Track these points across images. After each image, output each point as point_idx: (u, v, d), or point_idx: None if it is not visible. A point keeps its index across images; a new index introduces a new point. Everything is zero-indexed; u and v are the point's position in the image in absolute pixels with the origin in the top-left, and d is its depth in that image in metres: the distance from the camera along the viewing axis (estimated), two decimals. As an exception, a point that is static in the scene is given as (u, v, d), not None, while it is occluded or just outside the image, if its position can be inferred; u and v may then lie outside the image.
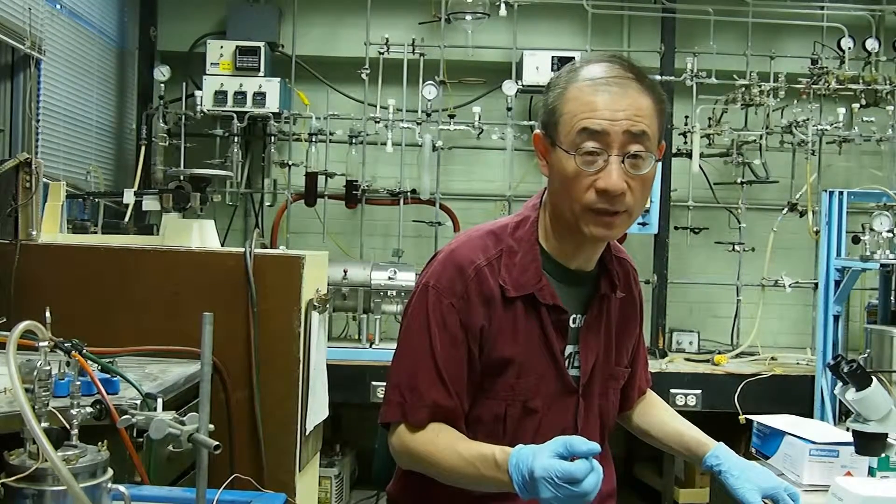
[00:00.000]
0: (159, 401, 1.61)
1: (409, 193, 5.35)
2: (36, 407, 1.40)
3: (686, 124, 5.34)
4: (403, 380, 1.63)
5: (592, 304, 1.70)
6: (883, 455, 1.97)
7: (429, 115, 5.26)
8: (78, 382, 1.59)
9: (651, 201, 5.03)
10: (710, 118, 5.38)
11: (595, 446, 1.41)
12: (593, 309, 1.70)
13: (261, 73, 5.19)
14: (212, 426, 1.51)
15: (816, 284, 4.90)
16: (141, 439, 1.83)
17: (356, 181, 5.33)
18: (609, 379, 1.77)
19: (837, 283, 4.45)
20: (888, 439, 1.96)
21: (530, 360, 1.64)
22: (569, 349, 1.69)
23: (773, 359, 5.10)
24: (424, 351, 1.61)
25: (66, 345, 1.76)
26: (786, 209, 5.29)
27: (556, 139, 1.57)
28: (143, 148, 5.21)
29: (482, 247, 1.65)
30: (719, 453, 1.83)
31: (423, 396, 1.61)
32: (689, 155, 5.32)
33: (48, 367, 1.48)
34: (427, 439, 1.60)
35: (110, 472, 1.45)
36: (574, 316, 1.69)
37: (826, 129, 5.20)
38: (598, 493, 1.56)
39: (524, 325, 1.63)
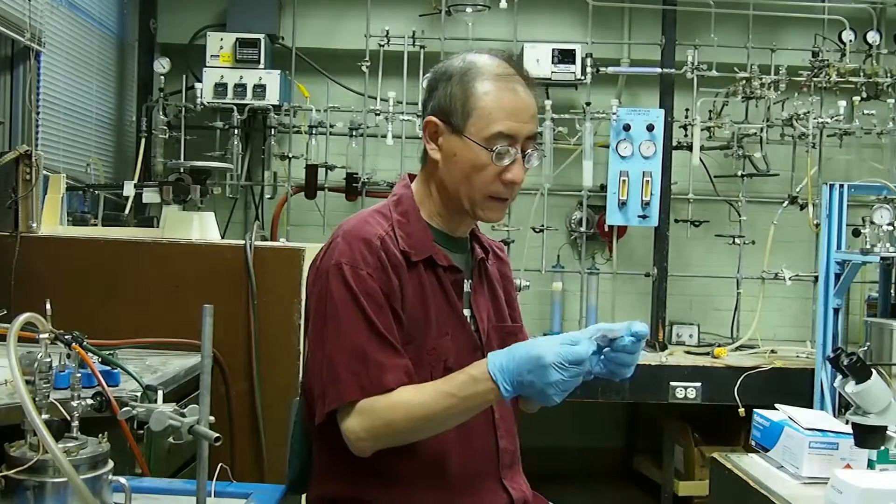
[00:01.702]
0: (160, 393, 1.61)
1: (409, 186, 5.34)
2: (37, 399, 1.41)
3: (687, 117, 5.33)
4: (349, 356, 1.62)
5: (474, 268, 1.84)
6: (882, 448, 1.97)
7: (429, 107, 5.25)
8: (78, 374, 1.59)
9: (651, 194, 5.02)
10: (710, 111, 5.36)
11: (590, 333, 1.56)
12: (476, 273, 1.84)
13: (261, 66, 5.18)
14: (212, 418, 1.51)
15: (816, 277, 4.89)
16: (141, 431, 1.83)
17: (356, 174, 5.33)
18: (507, 336, 1.85)
19: (837, 276, 4.44)
20: (887, 432, 1.96)
21: (443, 321, 1.73)
22: (465, 312, 1.80)
23: (773, 352, 5.10)
24: (361, 323, 1.62)
25: (66, 337, 1.77)
26: (786, 202, 5.28)
27: (462, 129, 1.70)
28: (143, 140, 5.20)
29: (376, 222, 1.74)
30: None
31: (382, 363, 1.61)
32: (690, 148, 5.31)
33: (49, 359, 1.48)
34: (399, 399, 1.60)
35: (111, 463, 1.46)
36: (466, 281, 1.81)
37: (827, 122, 5.19)
38: (504, 450, 1.79)
39: (430, 287, 1.73)
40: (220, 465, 1.71)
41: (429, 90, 1.79)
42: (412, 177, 1.88)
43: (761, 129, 5.26)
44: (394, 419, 1.60)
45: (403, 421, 1.60)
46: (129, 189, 4.10)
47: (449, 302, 1.76)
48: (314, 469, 1.80)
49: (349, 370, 1.61)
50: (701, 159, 5.36)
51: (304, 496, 1.86)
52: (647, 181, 5.01)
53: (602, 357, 1.57)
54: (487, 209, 1.74)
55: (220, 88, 5.11)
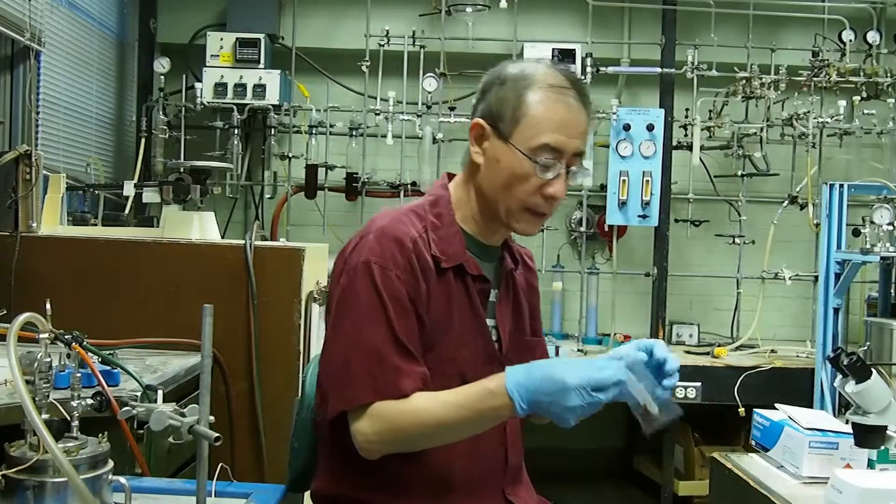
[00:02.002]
0: (159, 392, 1.61)
1: (409, 186, 5.35)
2: (36, 398, 1.41)
3: (687, 117, 5.33)
4: (366, 357, 1.59)
5: (501, 278, 1.81)
6: (882, 447, 1.97)
7: (429, 107, 5.26)
8: (78, 374, 1.59)
9: (651, 194, 5.02)
10: (710, 111, 5.36)
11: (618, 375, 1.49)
12: (503, 283, 1.81)
13: (261, 66, 5.18)
14: (212, 418, 1.51)
15: (816, 277, 4.89)
16: (141, 431, 1.83)
17: (356, 173, 5.33)
18: (525, 350, 1.82)
19: (837, 276, 4.44)
20: (887, 432, 1.96)
21: (466, 331, 1.70)
22: (489, 322, 1.77)
23: (773, 351, 5.10)
24: (382, 325, 1.59)
25: (66, 336, 1.77)
26: (786, 202, 5.28)
27: (508, 136, 1.67)
28: (143, 140, 5.20)
29: (410, 222, 1.69)
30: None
31: (400, 368, 1.58)
32: (690, 147, 5.31)
33: (49, 359, 1.48)
34: (413, 406, 1.57)
35: (111, 463, 1.46)
36: (492, 290, 1.78)
37: (827, 122, 5.19)
38: (509, 465, 1.78)
39: (456, 295, 1.69)
40: (220, 465, 1.71)
41: (481, 91, 1.76)
42: (451, 176, 1.84)
43: (761, 129, 5.26)
44: (406, 426, 1.58)
45: (415, 428, 1.58)
46: (129, 189, 4.10)
47: (473, 311, 1.72)
48: (319, 463, 1.79)
49: (366, 371, 1.58)
50: (701, 159, 5.36)
51: (305, 494, 1.86)
52: (647, 181, 5.01)
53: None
54: (523, 221, 1.71)
55: (220, 88, 5.11)
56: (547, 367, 1.52)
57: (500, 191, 1.69)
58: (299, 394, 1.90)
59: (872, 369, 1.91)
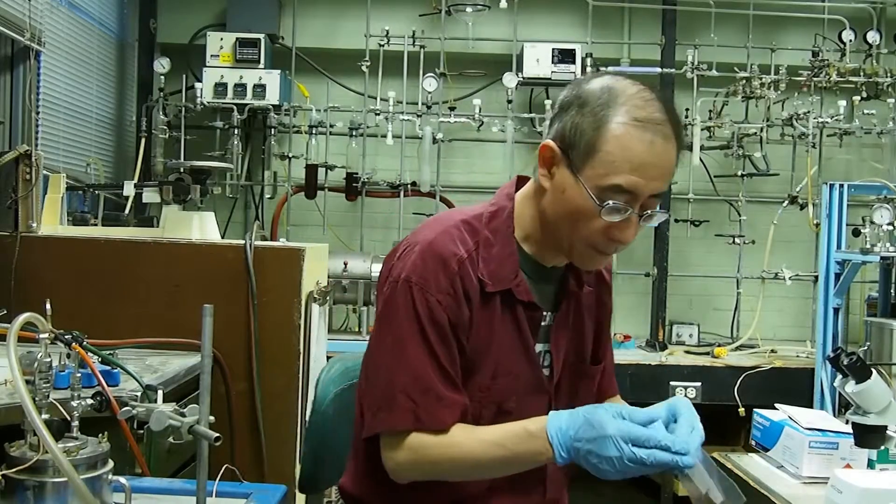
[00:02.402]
0: (159, 392, 1.61)
1: (409, 186, 5.35)
2: (36, 398, 1.40)
3: (687, 117, 5.33)
4: (409, 382, 1.51)
5: (562, 302, 1.66)
6: (882, 447, 1.97)
7: (429, 107, 5.26)
8: (78, 374, 1.59)
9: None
10: (710, 111, 5.37)
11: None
12: (563, 306, 1.66)
13: (261, 66, 5.18)
14: (212, 418, 1.51)
15: (816, 277, 4.90)
16: (141, 431, 1.84)
17: (356, 173, 5.33)
18: (580, 378, 1.71)
19: (837, 276, 4.45)
20: (887, 432, 1.96)
21: (507, 360, 1.59)
22: (539, 347, 1.64)
23: (772, 351, 5.11)
24: (424, 351, 1.51)
25: (66, 336, 1.76)
26: (786, 202, 5.28)
27: (579, 167, 1.49)
28: (143, 140, 5.21)
29: (460, 238, 1.57)
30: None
31: (442, 397, 1.51)
32: (690, 147, 5.31)
33: (49, 359, 1.48)
34: (450, 440, 1.51)
35: (111, 463, 1.46)
36: (545, 313, 1.64)
37: (827, 122, 5.19)
38: (547, 498, 1.67)
39: (500, 321, 1.57)
40: (225, 466, 1.71)
41: (560, 108, 1.54)
42: (521, 180, 1.67)
43: (761, 129, 5.27)
44: (440, 460, 1.51)
45: (449, 463, 1.52)
46: (129, 189, 4.10)
47: (521, 339, 1.60)
48: (349, 459, 1.75)
49: (407, 397, 1.51)
50: (701, 159, 5.36)
51: (300, 497, 1.86)
52: (647, 181, 5.00)
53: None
54: (586, 258, 1.56)
55: (220, 88, 5.11)
56: (591, 412, 1.42)
57: (564, 222, 1.53)
58: (299, 394, 1.90)
59: (872, 369, 1.91)
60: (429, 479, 1.55)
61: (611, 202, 1.46)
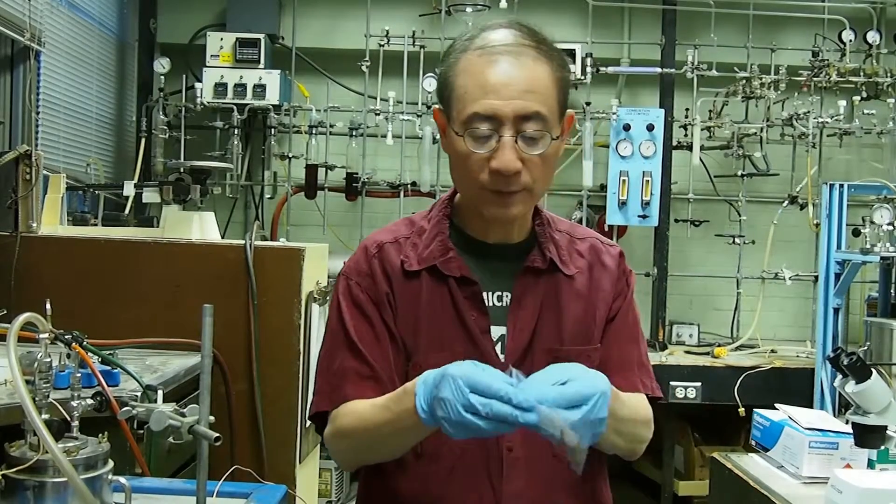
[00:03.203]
0: (160, 392, 1.61)
1: (409, 186, 5.35)
2: (36, 399, 1.40)
3: (687, 117, 5.33)
4: (326, 368, 1.57)
5: (518, 280, 1.57)
6: (882, 447, 1.97)
7: (429, 107, 5.26)
8: (78, 374, 1.59)
9: (651, 194, 5.02)
10: (710, 111, 5.37)
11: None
12: (519, 284, 1.56)
13: (261, 66, 5.18)
14: (212, 418, 1.51)
15: (816, 277, 4.90)
16: (141, 431, 1.84)
17: (356, 173, 5.33)
18: (559, 361, 1.45)
19: (837, 276, 4.45)
20: (887, 432, 1.96)
21: (441, 337, 1.53)
22: (498, 330, 1.55)
23: (773, 351, 5.10)
24: (339, 334, 1.56)
25: (66, 337, 1.77)
26: (786, 202, 5.28)
27: (449, 116, 1.50)
28: (143, 140, 5.21)
29: (393, 229, 1.63)
30: None
31: (347, 371, 1.53)
32: (690, 147, 5.32)
33: (49, 359, 1.48)
34: (353, 408, 1.50)
35: (111, 463, 1.46)
36: (499, 293, 1.57)
37: (827, 122, 5.19)
38: (514, 494, 1.49)
39: (429, 299, 1.54)
40: (235, 466, 1.71)
41: None
42: None
43: (761, 129, 5.27)
44: (348, 429, 1.50)
45: (353, 430, 1.50)
46: (129, 189, 4.10)
47: (459, 317, 1.53)
48: None
49: (325, 381, 1.56)
50: (701, 159, 5.37)
51: (303, 495, 1.86)
52: (647, 181, 5.01)
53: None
54: (489, 204, 1.49)
55: (220, 88, 5.11)
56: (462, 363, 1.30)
57: (458, 179, 1.53)
58: (299, 394, 1.90)
59: (872, 369, 1.92)
60: (354, 459, 1.57)
61: (473, 129, 1.43)
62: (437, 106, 1.56)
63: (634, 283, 1.69)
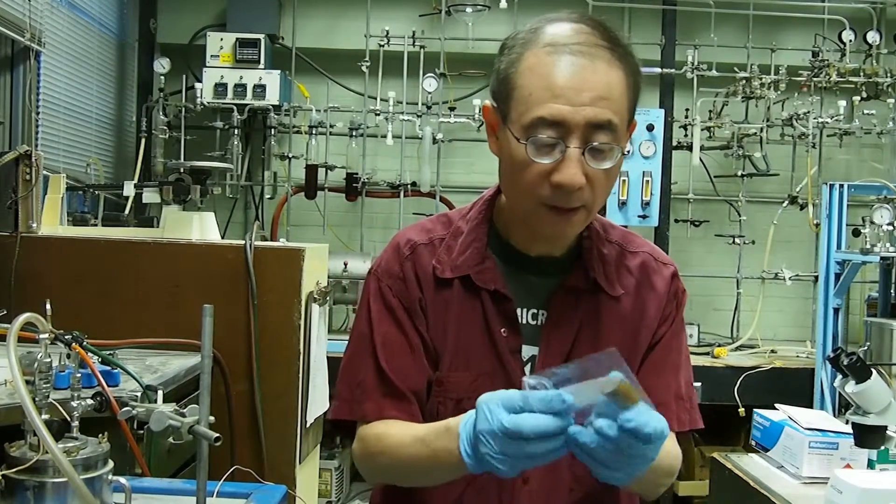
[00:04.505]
0: (160, 393, 1.61)
1: (409, 186, 5.35)
2: (36, 399, 1.40)
3: (687, 117, 5.33)
4: (349, 373, 1.48)
5: (555, 298, 1.44)
6: (882, 447, 1.97)
7: (429, 107, 5.26)
8: (78, 374, 1.59)
9: (651, 194, 5.03)
10: (710, 111, 5.37)
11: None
12: (556, 303, 1.44)
13: (261, 66, 5.18)
14: (212, 418, 1.51)
15: (816, 277, 4.90)
16: (141, 431, 1.83)
17: (356, 174, 5.33)
18: None
19: (837, 276, 4.45)
20: (887, 432, 1.96)
21: (467, 354, 1.43)
22: (529, 350, 1.44)
23: (773, 351, 5.11)
24: (366, 339, 1.46)
25: (66, 337, 1.76)
26: (786, 202, 5.29)
27: (507, 116, 1.34)
28: (143, 140, 5.21)
29: (427, 228, 1.51)
30: None
31: (368, 390, 1.44)
32: (690, 147, 5.32)
33: (48, 360, 1.48)
34: (385, 433, 1.41)
35: (111, 463, 1.45)
36: (534, 311, 1.45)
37: (827, 122, 5.20)
38: None
39: (458, 311, 1.43)
40: (235, 467, 1.71)
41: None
42: None
43: (761, 129, 5.27)
44: (376, 453, 1.42)
45: (383, 457, 1.41)
46: (129, 189, 4.10)
47: (489, 332, 1.42)
48: None
49: (347, 388, 1.48)
50: (701, 159, 5.37)
51: (303, 496, 1.86)
52: (647, 181, 5.01)
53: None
54: (541, 219, 1.34)
55: (220, 88, 5.11)
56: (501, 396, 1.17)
57: (510, 187, 1.39)
58: (299, 394, 1.89)
59: (872, 369, 1.92)
60: (381, 480, 1.52)
61: (536, 136, 1.28)
62: (488, 102, 1.41)
63: (685, 304, 1.55)
